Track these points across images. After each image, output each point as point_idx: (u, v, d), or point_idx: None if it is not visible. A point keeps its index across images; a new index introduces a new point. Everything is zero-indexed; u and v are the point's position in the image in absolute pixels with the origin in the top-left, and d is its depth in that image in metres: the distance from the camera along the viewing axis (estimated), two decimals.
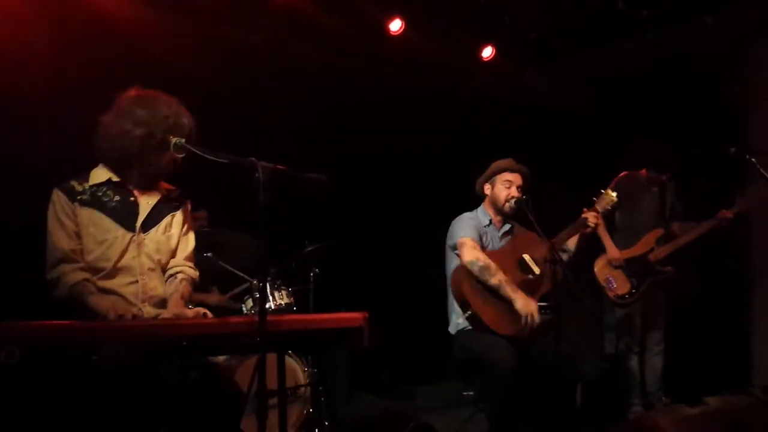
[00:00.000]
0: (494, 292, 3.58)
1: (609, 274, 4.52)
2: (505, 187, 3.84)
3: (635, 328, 4.57)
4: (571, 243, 3.81)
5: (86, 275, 2.52)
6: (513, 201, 3.75)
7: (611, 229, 4.63)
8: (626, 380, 4.61)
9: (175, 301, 2.64)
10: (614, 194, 3.70)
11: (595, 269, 4.55)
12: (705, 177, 4.98)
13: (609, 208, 3.73)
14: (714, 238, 4.52)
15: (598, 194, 3.72)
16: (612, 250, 4.53)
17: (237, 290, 4.25)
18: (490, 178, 3.92)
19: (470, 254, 3.64)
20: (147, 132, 2.55)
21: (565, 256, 3.76)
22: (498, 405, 3.37)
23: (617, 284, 4.48)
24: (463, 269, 3.66)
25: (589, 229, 3.73)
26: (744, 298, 5.37)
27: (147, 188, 2.74)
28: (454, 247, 3.77)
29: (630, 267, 4.50)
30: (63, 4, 4.07)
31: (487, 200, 3.93)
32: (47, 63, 4.01)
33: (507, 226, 3.94)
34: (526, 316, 3.49)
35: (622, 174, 4.71)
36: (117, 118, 2.59)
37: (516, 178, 3.84)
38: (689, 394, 4.38)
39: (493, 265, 3.60)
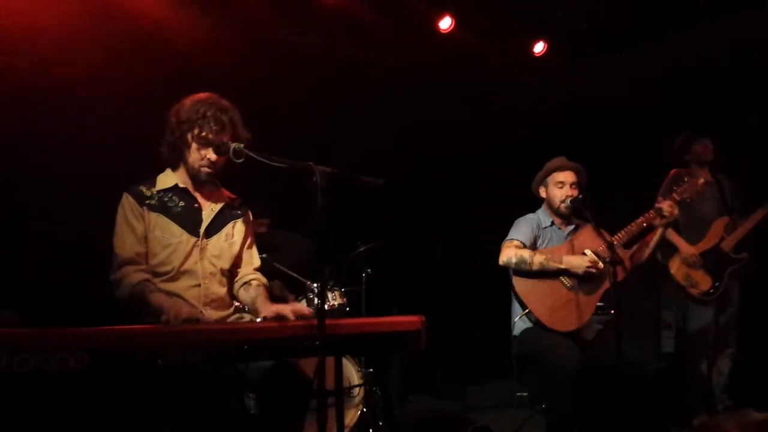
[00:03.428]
0: (548, 287, 3.53)
1: (687, 272, 4.39)
2: (558, 188, 3.75)
3: (710, 331, 4.41)
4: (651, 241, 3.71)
5: (148, 276, 2.58)
6: (568, 201, 3.67)
7: (680, 227, 4.52)
8: (692, 383, 4.47)
9: (263, 302, 2.70)
10: (701, 181, 3.60)
11: (672, 270, 4.43)
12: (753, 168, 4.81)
13: (694, 197, 3.63)
14: None
15: (681, 182, 3.63)
16: (685, 247, 4.40)
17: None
18: (543, 181, 3.84)
19: (504, 255, 3.61)
20: (182, 131, 2.64)
21: (646, 253, 3.68)
22: (559, 404, 3.30)
23: (699, 280, 4.36)
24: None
25: (663, 220, 3.59)
26: None
27: (209, 195, 2.80)
28: None
29: (706, 261, 4.38)
30: (116, 14, 4.15)
31: (545, 203, 3.86)
32: (106, 73, 4.12)
33: (572, 226, 3.84)
34: (588, 269, 3.48)
35: (672, 172, 4.58)
36: (178, 124, 2.67)
37: (568, 177, 3.74)
38: (756, 397, 4.25)
39: (526, 253, 3.55)
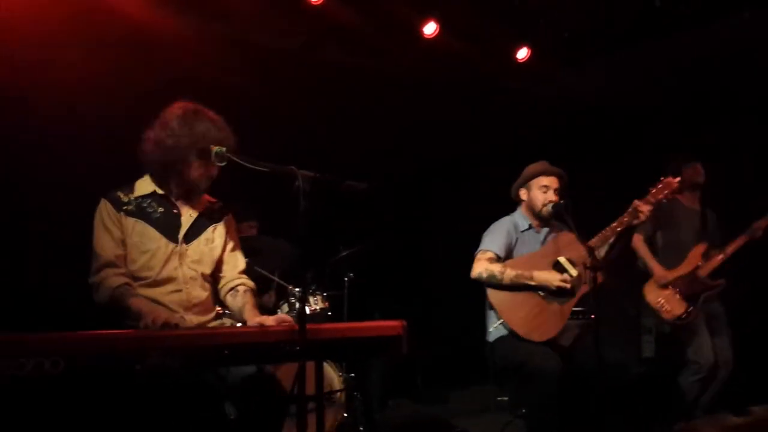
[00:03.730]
0: (522, 296, 3.54)
1: (661, 295, 4.44)
2: (541, 192, 3.76)
3: (707, 348, 4.37)
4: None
5: (128, 280, 2.56)
6: (551, 205, 3.69)
7: (654, 251, 4.59)
8: (674, 388, 4.48)
9: (250, 311, 2.69)
10: (677, 180, 3.54)
11: (646, 295, 4.49)
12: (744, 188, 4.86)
13: (669, 197, 3.57)
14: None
15: (656, 182, 3.56)
16: (659, 272, 4.47)
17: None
18: (525, 183, 3.84)
19: (476, 269, 3.62)
20: (183, 145, 2.59)
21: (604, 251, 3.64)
22: (540, 413, 3.31)
23: (672, 305, 4.40)
24: None
25: (638, 222, 3.55)
26: None
27: (188, 201, 2.78)
28: None
29: (681, 286, 4.42)
30: (98, 16, 4.11)
31: (524, 205, 3.86)
32: (87, 74, 4.08)
33: (547, 229, 3.86)
34: (560, 286, 3.49)
35: None
36: (158, 131, 2.63)
37: (552, 182, 3.77)
38: (735, 402, 4.29)
39: (497, 268, 3.56)
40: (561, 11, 5.09)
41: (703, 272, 4.43)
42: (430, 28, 5.03)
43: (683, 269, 4.47)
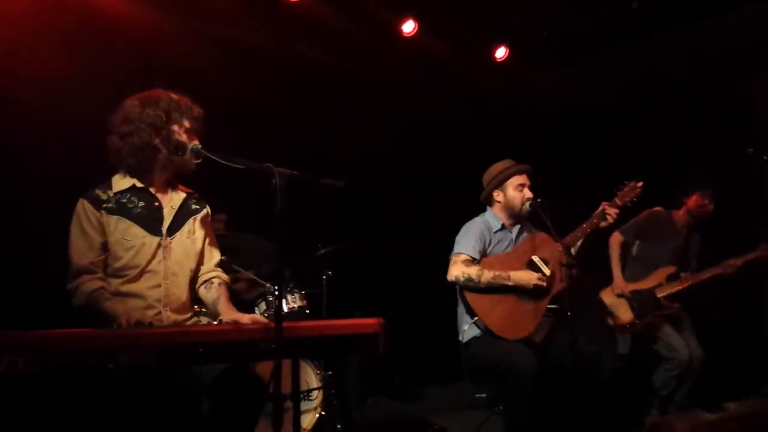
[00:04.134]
0: (497, 295, 3.56)
1: (612, 301, 4.56)
2: (518, 190, 3.78)
3: (681, 345, 4.42)
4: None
5: (103, 284, 2.54)
6: (528, 203, 3.71)
7: (628, 258, 4.67)
8: (654, 388, 4.53)
9: (224, 305, 2.69)
10: (640, 185, 3.61)
11: (603, 297, 4.61)
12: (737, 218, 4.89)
13: (634, 200, 3.63)
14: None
15: (621, 186, 3.64)
16: (618, 280, 4.58)
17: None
18: (500, 185, 3.85)
19: (452, 272, 3.63)
20: (154, 129, 2.60)
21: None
22: (518, 410, 3.32)
23: (620, 314, 4.49)
24: None
25: (605, 224, 3.62)
26: (762, 300, 5.30)
27: (168, 192, 2.77)
28: None
29: (635, 299, 4.50)
30: (72, 9, 4.07)
31: (497, 206, 3.86)
32: (57, 70, 4.03)
33: (518, 227, 3.88)
34: (537, 285, 3.53)
35: (656, 208, 4.68)
36: (123, 124, 2.63)
37: (526, 179, 3.81)
38: (707, 398, 4.35)
39: (473, 271, 3.57)
40: (538, 13, 5.12)
41: (660, 293, 4.49)
42: (408, 27, 5.05)
43: (642, 285, 4.55)
